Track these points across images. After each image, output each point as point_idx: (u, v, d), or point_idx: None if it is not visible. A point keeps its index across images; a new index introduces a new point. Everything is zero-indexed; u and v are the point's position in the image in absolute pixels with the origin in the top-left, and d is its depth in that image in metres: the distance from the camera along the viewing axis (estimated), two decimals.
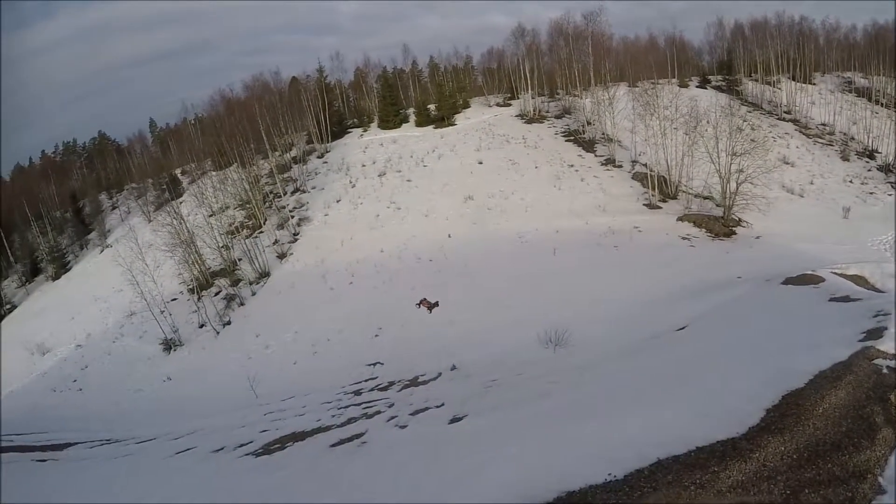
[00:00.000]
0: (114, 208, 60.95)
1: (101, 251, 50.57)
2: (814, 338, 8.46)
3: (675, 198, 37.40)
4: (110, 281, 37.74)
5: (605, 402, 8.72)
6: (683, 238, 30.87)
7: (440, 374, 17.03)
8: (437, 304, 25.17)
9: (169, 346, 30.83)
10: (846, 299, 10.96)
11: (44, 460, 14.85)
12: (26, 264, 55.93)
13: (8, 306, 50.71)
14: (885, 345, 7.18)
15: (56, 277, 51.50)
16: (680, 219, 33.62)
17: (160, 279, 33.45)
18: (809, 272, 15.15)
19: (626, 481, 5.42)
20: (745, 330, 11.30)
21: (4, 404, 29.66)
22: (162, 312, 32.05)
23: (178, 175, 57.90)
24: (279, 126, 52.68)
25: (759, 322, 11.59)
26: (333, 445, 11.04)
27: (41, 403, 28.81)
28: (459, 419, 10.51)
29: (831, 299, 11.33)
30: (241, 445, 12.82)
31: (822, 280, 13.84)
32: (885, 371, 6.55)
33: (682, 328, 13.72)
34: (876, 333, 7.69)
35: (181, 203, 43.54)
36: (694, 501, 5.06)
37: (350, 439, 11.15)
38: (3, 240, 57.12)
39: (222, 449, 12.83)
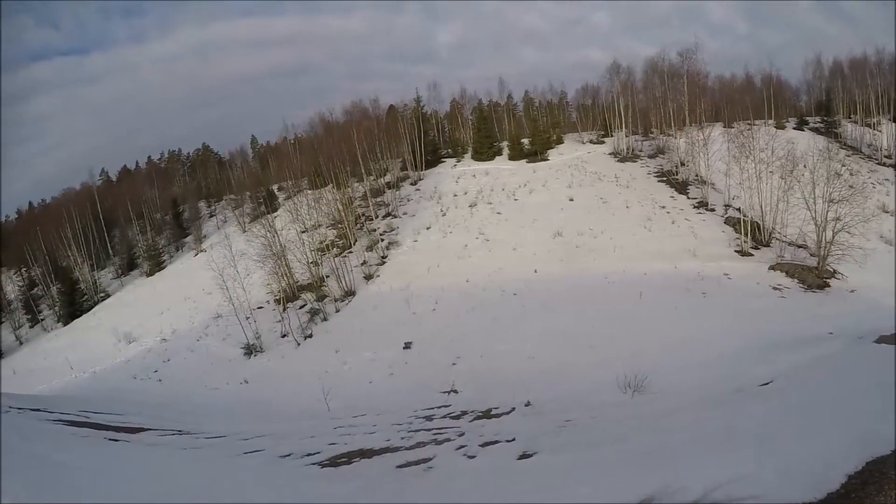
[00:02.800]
0: (211, 216, 63.84)
1: (196, 255, 52.74)
2: None
3: (767, 245, 35.81)
4: (201, 283, 38.98)
5: (681, 452, 8.24)
6: (774, 288, 29.29)
7: (514, 409, 16.62)
8: None
9: (250, 350, 31.42)
10: None
11: (116, 440, 14.75)
12: (124, 259, 59.27)
13: (102, 294, 53.44)
14: None
15: (150, 274, 54.30)
16: (772, 267, 31.99)
17: (249, 287, 34.13)
18: None
19: None
20: (831, 390, 10.39)
21: (89, 384, 31.73)
22: (247, 318, 32.73)
23: (275, 190, 59.95)
24: (375, 151, 53.92)
25: (847, 383, 10.65)
26: (400, 466, 10.89)
27: (122, 388, 29.80)
28: (530, 455, 10.16)
29: None
30: (309, 455, 12.74)
31: None
32: None
33: (767, 383, 13.00)
34: None
35: (276, 217, 44.71)
36: None
37: (417, 462, 10.99)
38: (105, 233, 60.30)
39: (290, 455, 12.77)
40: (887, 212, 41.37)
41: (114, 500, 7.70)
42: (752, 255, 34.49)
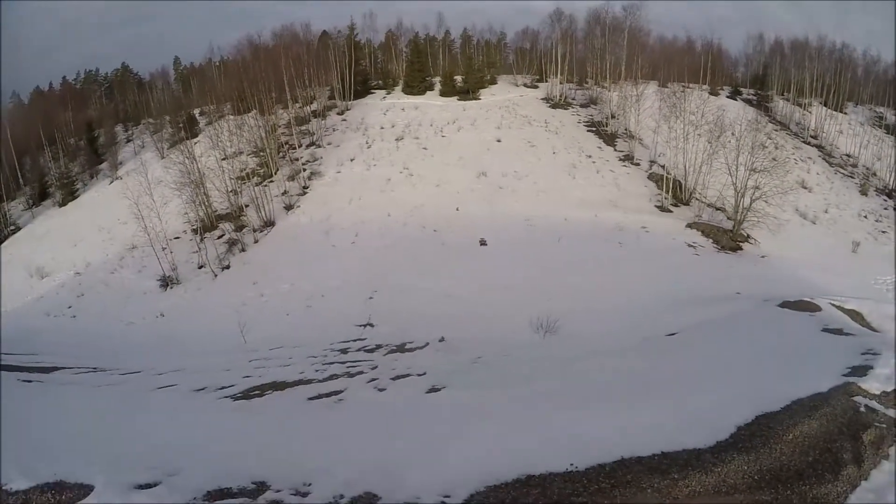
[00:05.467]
0: (128, 141, 60.91)
1: (111, 182, 50.54)
2: (799, 364, 8.61)
3: (687, 204, 37.02)
4: (116, 213, 37.85)
5: (582, 395, 8.75)
6: (689, 245, 30.46)
7: (427, 344, 17.00)
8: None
9: (166, 283, 30.89)
10: (839, 332, 10.89)
11: (29, 381, 14.90)
12: (35, 188, 56.12)
13: (12, 227, 50.91)
14: (867, 383, 7.20)
15: (63, 204, 51.56)
16: (689, 225, 33.26)
17: (165, 216, 33.26)
18: (808, 299, 15.06)
19: (586, 474, 5.49)
20: (733, 346, 11.23)
21: None
22: (163, 249, 31.99)
23: (196, 115, 57.36)
24: (303, 78, 52.26)
25: (748, 340, 11.53)
26: (311, 399, 11.17)
27: (34, 326, 28.91)
28: (438, 390, 10.60)
29: (824, 329, 11.28)
30: (222, 388, 12.91)
31: (819, 309, 13.72)
32: (862, 409, 6.58)
33: (673, 334, 13.65)
34: (861, 371, 7.69)
35: (196, 143, 43.25)
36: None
37: (329, 395, 11.28)
38: (15, 161, 57.12)
39: (203, 389, 12.93)
40: (805, 187, 43.12)
41: (25, 443, 7.88)
42: (671, 211, 35.72)
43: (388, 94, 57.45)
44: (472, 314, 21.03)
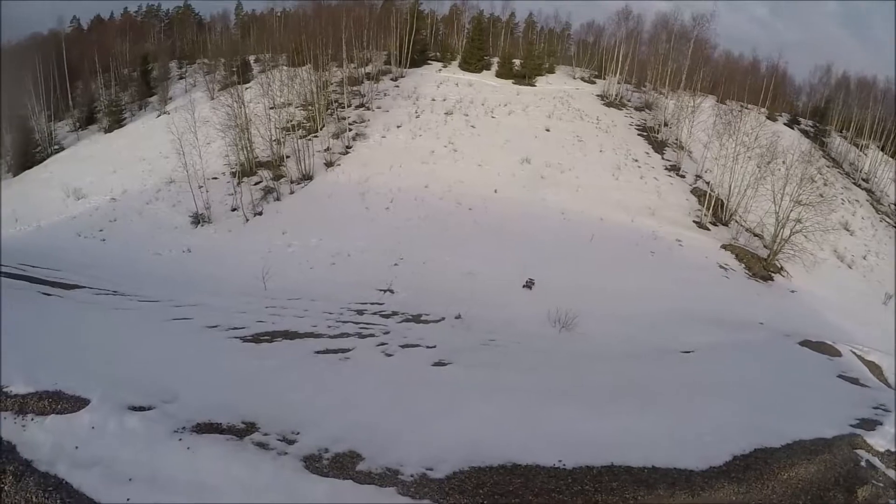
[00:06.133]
0: (181, 78, 61.39)
1: (158, 116, 50.88)
2: (808, 406, 8.52)
3: (726, 224, 35.99)
4: (159, 146, 38.14)
5: (585, 394, 8.67)
6: (721, 266, 29.51)
7: (443, 319, 16.96)
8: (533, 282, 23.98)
9: (198, 220, 31.11)
10: (854, 381, 10.87)
11: (49, 294, 14.90)
12: (83, 112, 57.07)
13: (56, 147, 51.70)
14: (873, 439, 7.13)
15: (109, 130, 52.38)
16: (724, 246, 32.18)
17: (206, 156, 33.55)
18: (829, 342, 14.93)
19: (573, 473, 5.51)
20: (745, 375, 11.08)
21: (32, 238, 31.05)
22: (200, 188, 32.13)
23: (251, 62, 57.62)
24: (362, 40, 51.87)
25: (761, 372, 11.41)
26: (318, 352, 11.16)
27: (64, 244, 29.39)
28: (444, 364, 10.57)
29: (840, 376, 11.25)
30: (234, 328, 12.88)
31: (839, 355, 13.70)
32: (862, 464, 6.50)
33: (689, 352, 13.54)
34: (869, 425, 7.60)
35: (246, 89, 42.99)
36: None
37: (336, 351, 11.27)
38: (68, 84, 57.84)
39: (216, 327, 12.91)
40: (848, 230, 41.75)
41: (31, 352, 8.15)
42: (708, 229, 34.62)
43: (444, 67, 57.05)
44: (492, 296, 20.88)
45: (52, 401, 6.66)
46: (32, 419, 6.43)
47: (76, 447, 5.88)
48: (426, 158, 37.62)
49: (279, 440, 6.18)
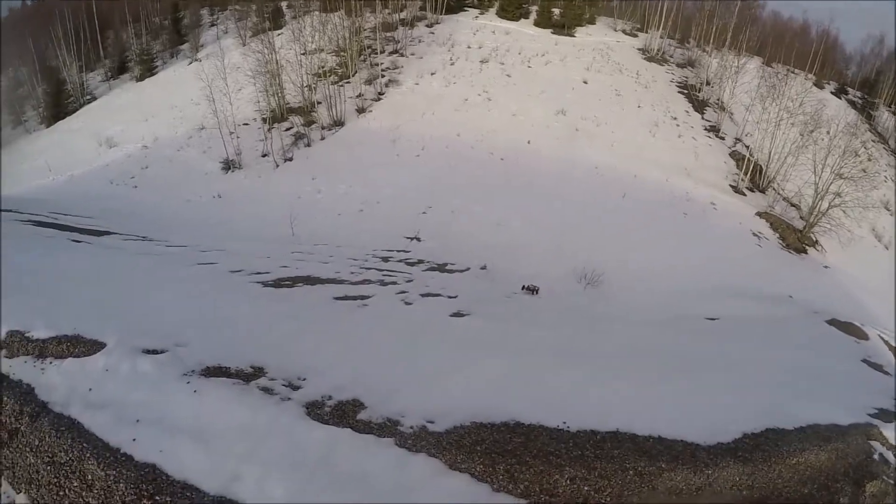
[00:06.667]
0: (212, 25, 60.84)
1: (190, 63, 50.53)
2: (827, 388, 8.34)
3: (763, 191, 34.55)
4: (190, 93, 37.69)
5: (602, 358, 8.52)
6: (754, 234, 28.41)
7: (468, 269, 16.91)
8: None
9: (228, 166, 31.11)
10: (879, 368, 10.65)
11: (79, 241, 15.28)
12: (115, 61, 57.34)
13: (89, 97, 52.10)
14: (890, 431, 6.92)
15: (140, 79, 52.36)
16: (759, 214, 30.89)
17: (237, 102, 33.36)
18: (858, 324, 14.68)
19: (575, 437, 5.44)
20: (767, 349, 10.92)
21: (65, 187, 31.72)
22: (230, 134, 32.10)
23: (283, 7, 56.76)
24: None
25: (784, 348, 11.23)
26: (337, 298, 11.24)
27: (96, 192, 29.79)
28: (463, 315, 10.56)
29: (865, 361, 11.03)
30: (257, 273, 13.15)
31: (867, 338, 13.43)
32: (875, 457, 6.31)
33: (713, 319, 13.44)
34: (888, 416, 7.39)
35: (278, 35, 42.38)
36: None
37: (355, 297, 11.37)
38: (98, 34, 58.09)
39: (240, 271, 13.17)
40: (888, 209, 39.68)
41: (54, 297, 8.54)
42: (744, 194, 33.29)
43: (481, 14, 55.35)
44: (519, 249, 20.71)
45: (71, 345, 7.00)
46: (51, 363, 6.75)
47: (89, 389, 6.16)
48: (459, 106, 36.81)
49: (284, 386, 6.29)
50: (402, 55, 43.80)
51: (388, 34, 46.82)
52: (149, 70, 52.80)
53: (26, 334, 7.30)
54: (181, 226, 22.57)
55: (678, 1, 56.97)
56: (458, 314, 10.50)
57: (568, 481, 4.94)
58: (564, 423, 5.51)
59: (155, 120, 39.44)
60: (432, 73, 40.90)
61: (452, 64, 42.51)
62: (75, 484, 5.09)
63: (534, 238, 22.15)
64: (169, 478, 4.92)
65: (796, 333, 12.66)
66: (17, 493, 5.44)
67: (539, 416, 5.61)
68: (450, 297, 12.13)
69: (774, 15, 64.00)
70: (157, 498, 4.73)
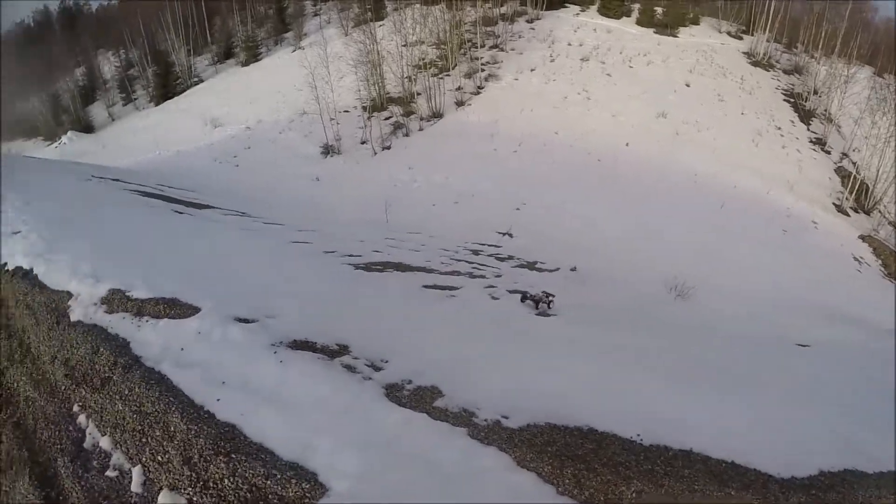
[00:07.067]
0: (315, 15, 62.46)
1: (293, 51, 52.22)
2: None
3: (867, 213, 32.28)
4: (293, 79, 38.80)
5: (685, 371, 8.20)
6: (855, 259, 26.62)
7: (558, 269, 16.59)
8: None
9: (327, 151, 32.03)
10: None
11: (181, 213, 15.87)
12: (221, 47, 60.69)
13: (196, 79, 54.89)
14: None
15: (245, 64, 55.12)
16: (862, 237, 28.81)
17: (338, 90, 34.16)
18: None
19: (647, 450, 5.30)
20: (858, 383, 10.05)
21: (171, 162, 33.41)
22: (331, 120, 32.84)
23: None
24: None
25: (875, 388, 10.05)
26: (425, 286, 11.31)
27: (200, 168, 31.25)
28: (548, 315, 10.44)
29: None
30: (350, 255, 13.32)
31: None
32: None
33: (805, 346, 12.49)
34: None
35: (379, 26, 43.29)
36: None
37: (444, 288, 11.43)
38: (206, 21, 60.99)
39: (333, 252, 13.37)
40: None
41: (156, 262, 8.93)
42: (848, 215, 31.22)
43: (582, 11, 54.35)
44: (611, 252, 20.30)
45: (167, 306, 7.33)
46: (147, 321, 7.10)
47: (181, 349, 6.44)
48: (558, 104, 36.38)
49: (367, 365, 6.40)
50: (501, 50, 43.73)
51: (489, 28, 46.62)
52: (254, 56, 55.37)
53: (127, 293, 7.70)
54: (279, 205, 23.18)
55: (786, 1, 53.80)
56: (543, 313, 10.43)
57: (634, 495, 4.82)
58: (638, 435, 5.39)
59: (258, 103, 41.04)
60: (532, 70, 40.59)
61: (552, 61, 42.09)
62: (158, 433, 5.34)
63: (626, 243, 21.65)
64: (246, 439, 5.08)
65: (889, 372, 11.77)
66: (102, 436, 5.75)
67: (613, 424, 5.54)
68: None
69: (888, 21, 59.62)
70: (234, 456, 4.87)
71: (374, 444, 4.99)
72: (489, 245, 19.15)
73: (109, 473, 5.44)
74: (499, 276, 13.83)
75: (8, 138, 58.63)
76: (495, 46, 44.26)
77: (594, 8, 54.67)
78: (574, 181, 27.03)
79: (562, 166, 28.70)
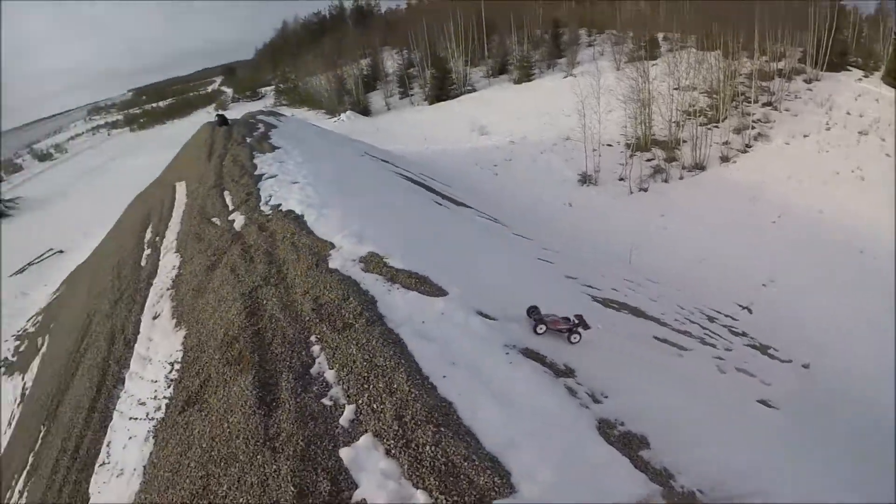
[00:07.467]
0: (589, 45, 63.58)
1: (565, 77, 53.97)
2: None
3: None
4: (561, 104, 40.54)
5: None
6: None
7: (790, 361, 15.71)
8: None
9: (585, 180, 33.04)
10: None
11: (440, 205, 18.02)
12: (497, 62, 64.14)
13: (469, 88, 60.01)
14: None
15: (518, 82, 57.95)
16: None
17: (605, 122, 34.62)
18: None
19: None
20: None
21: (434, 157, 36.41)
22: (594, 150, 33.66)
23: (660, 39, 57.50)
24: (775, 32, 48.29)
25: None
26: (656, 338, 11.54)
27: (461, 168, 33.93)
28: (770, 406, 10.43)
29: None
30: (589, 287, 13.85)
31: None
32: None
33: None
34: None
35: (652, 65, 43.13)
36: None
37: (673, 344, 11.58)
38: (485, 36, 65.68)
39: (574, 279, 14.18)
40: None
41: (413, 241, 10.20)
42: None
43: (865, 77, 49.04)
44: (853, 357, 17.76)
45: (419, 282, 8.32)
46: (398, 288, 8.16)
47: (423, 322, 7.31)
48: (828, 179, 33.55)
49: (587, 394, 6.85)
50: (775, 109, 41.87)
51: (764, 83, 44.69)
52: (526, 76, 57.97)
53: (385, 259, 8.76)
54: (529, 220, 24.41)
55: None
56: (765, 402, 10.37)
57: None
58: None
59: (524, 121, 42.95)
60: (805, 136, 38.33)
61: (828, 129, 39.08)
62: (381, 385, 5.99)
63: (878, 349, 18.23)
64: (458, 419, 5.57)
65: None
66: (329, 369, 6.57)
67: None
68: (764, 384, 11.90)
69: None
70: (443, 429, 5.31)
71: (574, 469, 5.33)
72: (725, 315, 18.43)
73: (325, 402, 6.12)
74: (729, 349, 13.69)
75: (296, 106, 68.42)
76: (769, 104, 42.43)
77: (878, 74, 49.77)
78: (829, 269, 24.19)
79: (822, 250, 26.01)
